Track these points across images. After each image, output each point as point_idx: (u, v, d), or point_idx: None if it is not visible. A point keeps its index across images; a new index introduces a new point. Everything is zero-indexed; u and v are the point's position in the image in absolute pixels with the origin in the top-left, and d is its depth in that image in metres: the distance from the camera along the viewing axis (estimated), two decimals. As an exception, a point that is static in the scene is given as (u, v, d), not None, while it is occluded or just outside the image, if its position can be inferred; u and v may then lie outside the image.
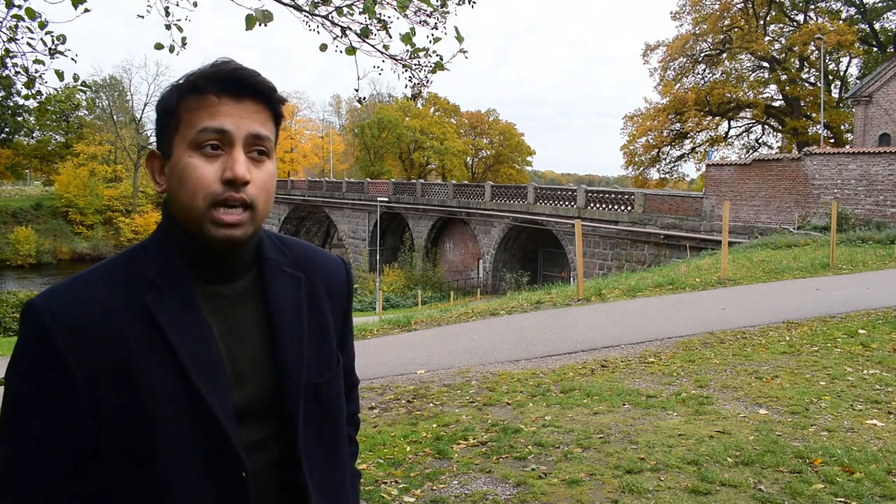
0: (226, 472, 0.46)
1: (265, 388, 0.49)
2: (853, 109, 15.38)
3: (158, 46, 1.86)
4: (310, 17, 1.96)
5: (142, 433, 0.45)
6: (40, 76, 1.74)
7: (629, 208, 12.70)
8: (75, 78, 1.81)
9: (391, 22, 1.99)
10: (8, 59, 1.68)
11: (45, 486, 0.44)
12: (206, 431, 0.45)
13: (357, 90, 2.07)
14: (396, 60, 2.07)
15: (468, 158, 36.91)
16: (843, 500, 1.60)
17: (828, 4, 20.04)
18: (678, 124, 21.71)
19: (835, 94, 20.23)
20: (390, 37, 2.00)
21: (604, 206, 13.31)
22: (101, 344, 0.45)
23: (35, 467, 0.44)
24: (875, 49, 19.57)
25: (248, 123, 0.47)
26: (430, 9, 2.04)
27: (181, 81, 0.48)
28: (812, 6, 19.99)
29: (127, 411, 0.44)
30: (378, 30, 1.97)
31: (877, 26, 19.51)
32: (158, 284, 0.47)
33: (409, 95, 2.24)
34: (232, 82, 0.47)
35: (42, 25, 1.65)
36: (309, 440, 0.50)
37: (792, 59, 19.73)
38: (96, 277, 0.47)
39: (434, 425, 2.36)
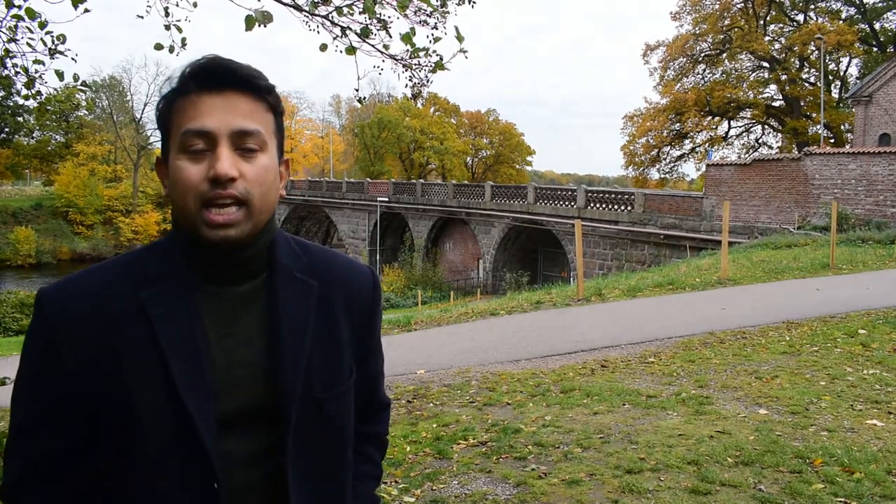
0: (197, 479, 0.45)
1: (259, 396, 0.47)
2: (853, 109, 15.38)
3: (158, 47, 1.86)
4: (310, 17, 1.96)
5: (123, 426, 0.45)
6: (40, 76, 1.74)
7: (629, 208, 12.69)
8: (75, 78, 1.81)
9: (391, 22, 1.99)
10: (8, 59, 1.68)
11: (48, 453, 0.46)
12: (181, 434, 0.44)
13: (357, 90, 2.07)
14: (396, 60, 2.07)
15: (468, 158, 36.91)
16: (843, 500, 1.60)
17: (828, 4, 20.04)
18: (678, 124, 21.70)
19: (835, 94, 20.24)
20: (390, 37, 2.00)
21: (604, 206, 13.30)
22: (94, 333, 0.46)
23: (38, 435, 0.47)
24: (875, 49, 19.56)
25: (231, 119, 0.45)
26: (430, 9, 2.04)
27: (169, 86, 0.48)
28: (812, 6, 19.99)
29: (111, 401, 0.46)
30: (378, 30, 1.97)
31: (877, 26, 19.52)
32: (157, 282, 0.47)
33: (409, 95, 2.24)
34: (209, 76, 0.45)
35: (42, 25, 1.65)
36: (304, 456, 0.48)
37: (792, 59, 19.71)
38: (102, 272, 0.49)
39: (434, 425, 2.36)
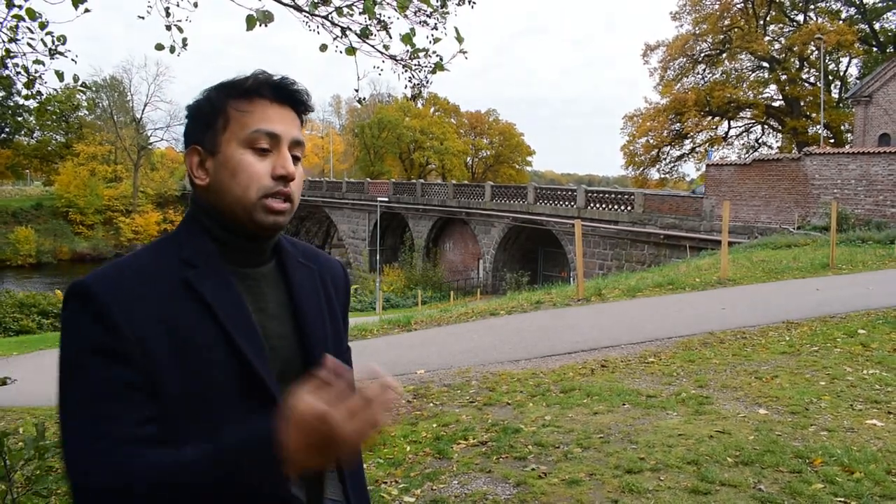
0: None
1: (293, 362, 0.53)
2: (853, 109, 15.39)
3: (159, 47, 1.86)
4: (310, 17, 1.96)
5: (194, 395, 0.47)
6: (40, 76, 1.74)
7: (629, 208, 12.69)
8: (75, 79, 1.81)
9: (391, 22, 1.99)
10: (8, 60, 1.68)
11: (122, 441, 0.45)
12: (253, 393, 0.49)
13: (357, 90, 2.07)
14: (396, 61, 2.08)
15: (468, 158, 36.91)
16: (842, 499, 1.60)
17: (827, 4, 20.05)
18: (678, 124, 21.70)
19: (835, 94, 20.23)
20: (390, 37, 2.00)
21: (604, 206, 13.31)
22: (148, 311, 0.48)
23: (108, 429, 0.45)
24: (875, 49, 19.55)
25: (291, 129, 0.53)
26: (430, 9, 2.04)
27: (224, 84, 0.53)
28: (812, 6, 19.98)
29: (179, 373, 0.47)
30: (378, 30, 1.97)
31: (877, 26, 19.50)
32: (195, 264, 0.50)
33: (409, 96, 2.24)
34: (282, 90, 0.53)
35: (42, 26, 1.65)
36: None
37: (792, 60, 19.72)
38: (137, 258, 0.51)
39: (434, 425, 2.37)
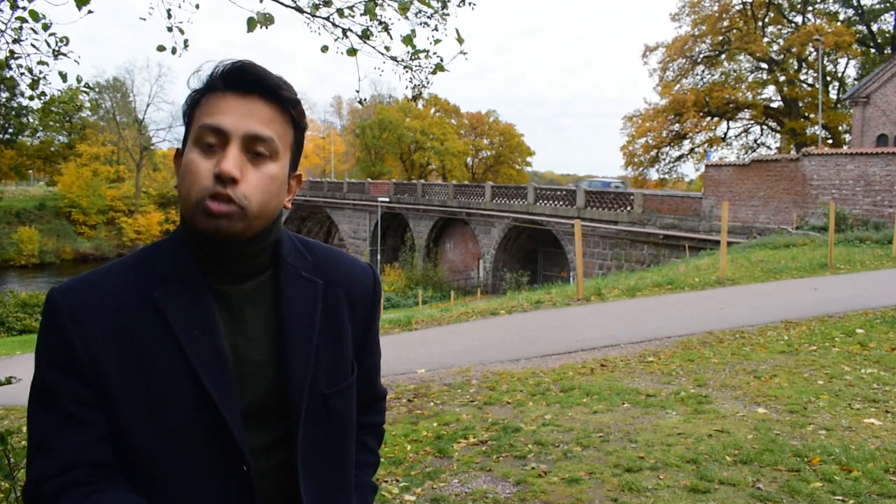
0: (228, 465, 0.46)
1: (269, 392, 0.49)
2: (851, 110, 15.41)
3: (161, 48, 1.87)
4: (311, 18, 1.97)
5: (148, 419, 0.46)
6: (44, 77, 1.75)
7: (628, 208, 12.71)
8: (78, 79, 1.82)
9: (392, 24, 2.00)
10: (12, 61, 1.69)
11: (71, 452, 0.45)
12: (209, 424, 0.46)
13: (358, 91, 2.08)
14: (397, 62, 2.09)
15: (468, 159, 36.90)
16: (840, 498, 1.61)
17: (826, 6, 20.09)
18: (677, 125, 21.72)
19: (833, 95, 20.27)
20: (391, 38, 2.01)
21: (603, 206, 13.33)
22: (110, 330, 0.46)
23: (60, 437, 0.45)
24: (873, 50, 19.59)
25: (248, 122, 0.46)
26: (430, 11, 2.05)
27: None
28: (810, 8, 20.03)
29: (131, 397, 0.46)
30: (379, 31, 1.99)
31: (874, 28, 19.56)
32: (168, 280, 0.47)
33: (410, 96, 2.25)
34: (236, 77, 0.47)
35: (46, 27, 1.66)
36: (312, 448, 0.50)
37: (790, 61, 19.77)
38: (110, 272, 0.49)
39: (434, 424, 2.37)
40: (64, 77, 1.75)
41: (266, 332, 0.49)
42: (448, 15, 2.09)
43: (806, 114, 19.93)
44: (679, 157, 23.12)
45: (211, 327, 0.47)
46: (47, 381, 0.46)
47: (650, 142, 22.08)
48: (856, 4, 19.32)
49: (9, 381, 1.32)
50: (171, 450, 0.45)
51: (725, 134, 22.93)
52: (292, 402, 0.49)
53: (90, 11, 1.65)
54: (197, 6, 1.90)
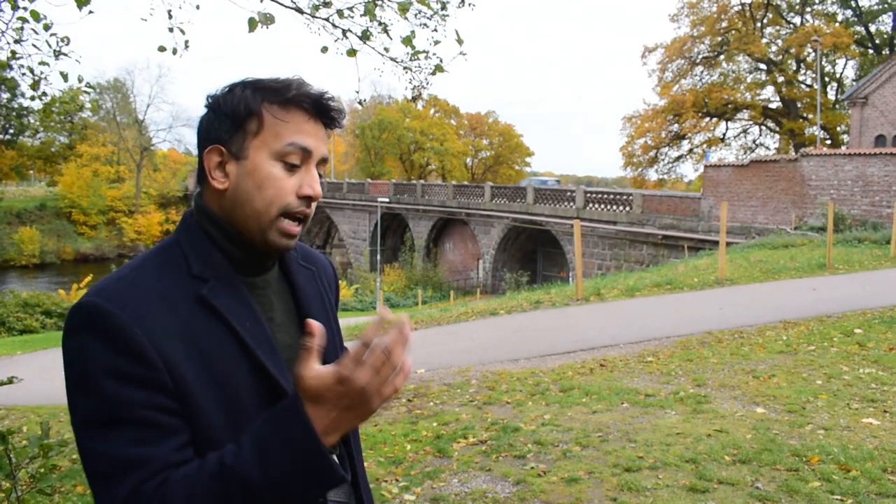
0: None
1: None
2: (849, 111, 15.44)
3: (161, 49, 1.88)
4: (311, 19, 1.98)
5: (225, 417, 0.45)
6: (45, 77, 1.75)
7: (627, 209, 12.73)
8: (79, 79, 1.82)
9: (392, 24, 2.01)
10: (14, 61, 1.69)
11: (162, 460, 0.42)
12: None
13: (358, 92, 2.09)
14: (397, 62, 2.09)
15: (468, 159, 36.90)
16: (839, 498, 1.61)
17: (824, 7, 20.14)
18: (676, 125, 21.74)
19: (831, 95, 20.32)
20: (391, 39, 2.02)
21: (602, 206, 13.34)
22: (173, 332, 0.45)
23: (144, 449, 0.42)
24: (871, 51, 19.64)
25: (321, 146, 0.50)
26: (430, 12, 2.06)
27: (260, 86, 0.49)
28: (808, 9, 20.06)
29: (208, 397, 0.45)
30: (379, 32, 1.99)
31: (872, 29, 19.60)
32: (206, 277, 0.47)
33: (410, 97, 2.26)
34: (322, 106, 0.50)
35: (47, 27, 1.66)
36: None
37: (789, 61, 19.81)
38: (144, 272, 0.47)
39: (434, 424, 2.37)
40: (65, 77, 1.75)
41: (289, 317, 0.52)
42: (447, 16, 2.10)
43: (804, 114, 19.97)
44: (678, 158, 23.17)
45: (258, 318, 0.48)
46: (119, 398, 0.42)
47: (649, 142, 22.10)
48: (854, 5, 19.36)
49: (11, 381, 1.32)
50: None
51: (724, 134, 23.00)
52: None
53: (91, 12, 1.65)
54: (198, 7, 1.90)
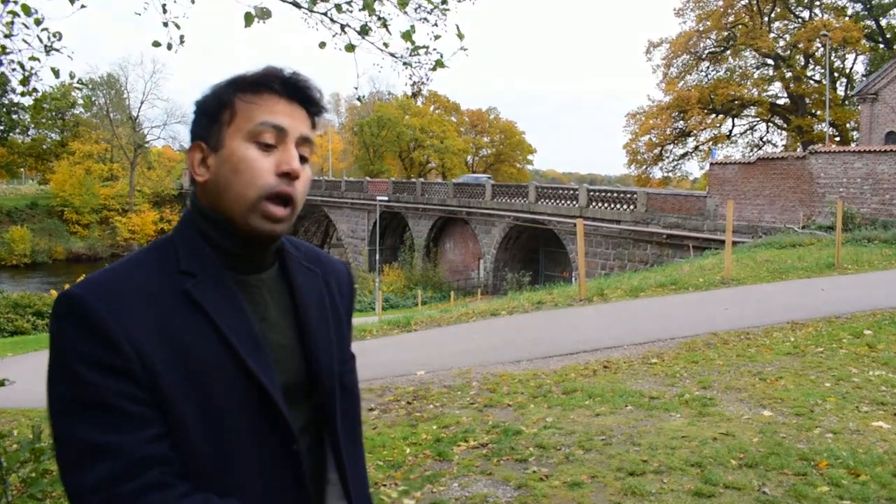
0: (279, 448, 0.48)
1: (296, 375, 0.51)
2: (859, 107, 15.26)
3: (156, 44, 1.85)
4: (308, 13, 1.94)
5: (200, 411, 0.45)
6: (36, 73, 1.73)
7: (632, 207, 12.63)
8: (71, 75, 1.80)
9: (391, 19, 1.97)
10: (3, 56, 1.67)
11: (139, 452, 0.42)
12: (259, 409, 0.47)
13: (356, 88, 2.05)
14: (396, 58, 2.06)
15: (469, 157, 36.85)
16: (848, 502, 1.58)
17: (833, 1, 19.86)
18: (681, 122, 21.56)
19: (840, 91, 20.07)
20: (390, 34, 1.98)
21: (606, 205, 13.24)
22: (149, 325, 0.45)
23: (120, 437, 0.42)
24: (881, 46, 19.39)
25: (298, 125, 0.49)
26: (430, 6, 2.02)
27: (233, 78, 0.50)
28: (817, 3, 19.83)
29: (183, 391, 0.45)
30: (378, 27, 1.95)
31: (883, 23, 19.36)
32: (194, 273, 0.48)
33: (409, 93, 2.22)
34: (294, 85, 0.50)
35: (38, 22, 1.64)
36: (342, 426, 0.53)
37: (797, 57, 19.57)
38: (132, 267, 0.48)
39: (434, 427, 2.35)
40: (57, 73, 1.73)
41: (285, 318, 0.51)
42: (448, 10, 2.05)
43: (813, 111, 19.76)
44: (683, 155, 22.96)
45: (245, 315, 0.48)
46: (91, 384, 0.43)
47: (654, 139, 21.92)
48: None
49: (1, 384, 1.31)
50: (224, 440, 0.45)
51: (730, 131, 22.75)
52: (324, 383, 0.51)
53: (83, 6, 1.62)
54: (193, 1, 1.87)
